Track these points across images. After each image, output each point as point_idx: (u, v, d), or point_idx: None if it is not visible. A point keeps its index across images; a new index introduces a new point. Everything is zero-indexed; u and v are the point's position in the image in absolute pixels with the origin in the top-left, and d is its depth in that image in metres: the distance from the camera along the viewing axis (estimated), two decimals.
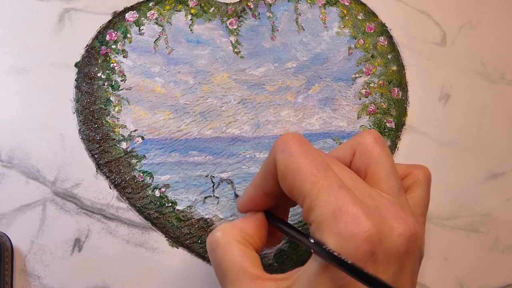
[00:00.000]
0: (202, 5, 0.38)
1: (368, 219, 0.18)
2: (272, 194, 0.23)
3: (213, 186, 0.34)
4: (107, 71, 0.36)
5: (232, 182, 0.35)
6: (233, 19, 0.37)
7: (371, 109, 0.37)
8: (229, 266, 0.21)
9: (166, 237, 0.34)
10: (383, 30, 0.38)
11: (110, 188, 0.34)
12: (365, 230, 0.18)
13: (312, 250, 0.19)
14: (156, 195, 0.34)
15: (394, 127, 0.37)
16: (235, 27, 0.37)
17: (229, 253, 0.22)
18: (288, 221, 0.27)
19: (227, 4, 0.38)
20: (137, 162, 0.34)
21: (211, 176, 0.35)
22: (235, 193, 0.34)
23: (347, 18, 0.38)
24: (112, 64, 0.36)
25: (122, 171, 0.34)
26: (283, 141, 0.21)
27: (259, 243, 0.23)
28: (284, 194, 0.22)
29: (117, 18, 0.37)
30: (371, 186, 0.22)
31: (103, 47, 0.36)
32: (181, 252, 0.33)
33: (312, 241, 0.19)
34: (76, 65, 0.36)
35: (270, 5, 0.38)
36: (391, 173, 0.22)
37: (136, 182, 0.34)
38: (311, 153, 0.21)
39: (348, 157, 0.24)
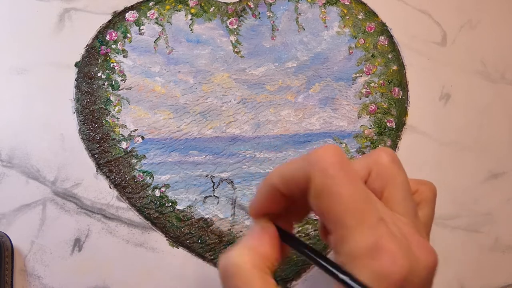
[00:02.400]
0: (202, 4, 0.37)
1: (403, 257, 0.18)
2: (289, 197, 0.22)
3: (213, 186, 0.34)
4: (107, 71, 0.36)
5: (232, 182, 0.35)
6: (233, 18, 0.37)
7: (372, 109, 0.36)
8: None
9: (166, 237, 0.34)
10: (384, 29, 0.38)
11: (110, 188, 0.34)
12: (400, 271, 0.18)
13: (342, 283, 0.19)
14: (156, 195, 0.34)
15: (394, 126, 0.36)
16: (235, 26, 0.37)
17: (251, 285, 0.20)
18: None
19: (227, 3, 0.38)
20: (137, 162, 0.34)
21: (211, 176, 0.35)
22: (234, 202, 0.34)
23: (347, 17, 0.38)
24: (112, 64, 0.36)
25: (122, 171, 0.34)
26: (323, 157, 0.20)
27: (275, 265, 0.22)
28: (300, 200, 0.21)
29: (117, 18, 0.37)
30: (388, 208, 0.22)
31: (103, 47, 0.36)
32: (181, 252, 0.33)
33: (342, 276, 0.19)
34: (76, 65, 0.36)
35: (270, 5, 0.38)
36: (408, 195, 0.22)
37: (136, 182, 0.34)
38: (353, 179, 0.20)
39: (364, 176, 0.23)
